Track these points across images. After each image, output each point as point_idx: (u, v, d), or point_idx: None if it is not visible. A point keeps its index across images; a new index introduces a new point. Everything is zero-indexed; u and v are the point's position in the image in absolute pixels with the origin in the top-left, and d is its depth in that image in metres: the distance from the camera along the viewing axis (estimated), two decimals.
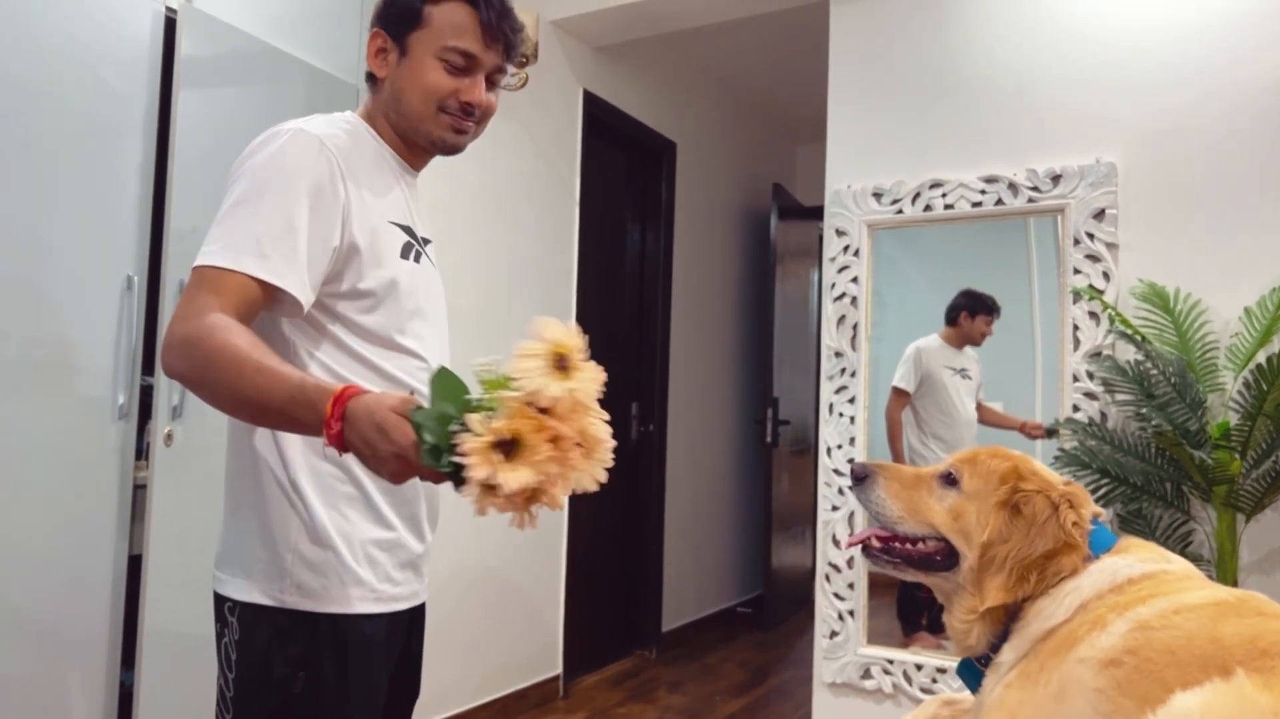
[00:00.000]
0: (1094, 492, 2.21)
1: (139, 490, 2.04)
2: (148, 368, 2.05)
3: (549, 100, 3.21)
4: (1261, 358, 2.12)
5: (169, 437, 2.04)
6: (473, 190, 2.86)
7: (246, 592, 1.06)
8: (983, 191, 2.51)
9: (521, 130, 3.07)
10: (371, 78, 1.17)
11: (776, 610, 4.32)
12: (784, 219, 4.34)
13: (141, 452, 2.07)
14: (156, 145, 2.01)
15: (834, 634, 2.66)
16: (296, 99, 2.31)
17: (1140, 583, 1.00)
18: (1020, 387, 2.55)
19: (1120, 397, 2.28)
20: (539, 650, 3.15)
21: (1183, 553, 2.09)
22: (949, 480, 1.14)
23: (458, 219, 2.80)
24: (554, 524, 3.22)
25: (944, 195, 2.57)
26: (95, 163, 1.90)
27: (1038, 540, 1.04)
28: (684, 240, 4.06)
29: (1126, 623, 0.94)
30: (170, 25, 2.03)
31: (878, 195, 2.66)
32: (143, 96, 1.98)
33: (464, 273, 2.82)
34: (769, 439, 4.17)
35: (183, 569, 2.03)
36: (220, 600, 1.09)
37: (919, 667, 2.53)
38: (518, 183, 3.05)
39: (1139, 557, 1.04)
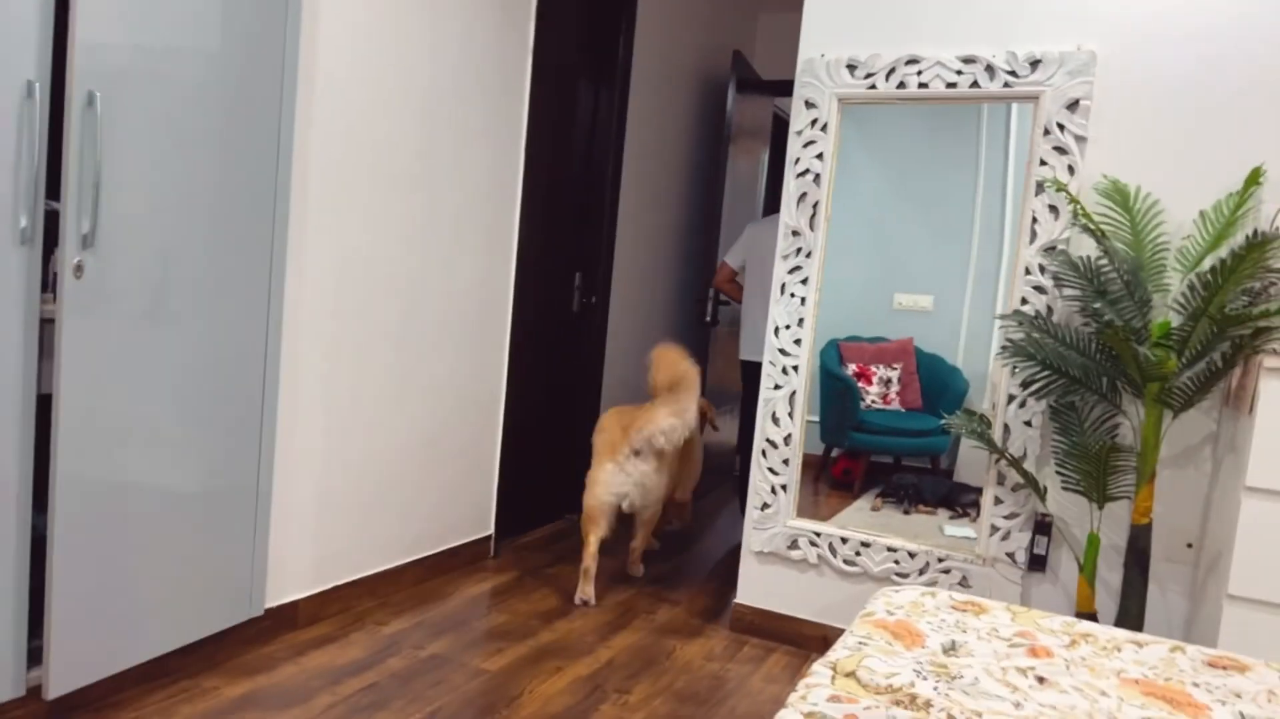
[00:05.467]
0: (1034, 383, 2.27)
1: (46, 325, 1.88)
2: (52, 191, 1.84)
3: None
4: (1210, 261, 2.17)
5: (79, 268, 1.87)
6: (416, 27, 2.62)
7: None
8: (959, 72, 2.43)
9: None
10: None
11: (702, 481, 4.43)
12: (740, 92, 4.18)
13: (48, 283, 1.90)
14: None
15: (765, 506, 2.72)
16: None
17: None
18: (954, 279, 2.56)
19: (1068, 291, 2.31)
20: (472, 511, 3.15)
21: (1111, 443, 2.18)
22: None
23: (405, 53, 2.57)
24: (493, 390, 3.17)
25: (919, 73, 2.47)
26: None
27: None
28: (638, 103, 3.88)
29: None
30: None
31: (851, 68, 2.55)
32: None
33: (407, 113, 2.62)
34: (709, 318, 4.16)
35: (97, 412, 1.90)
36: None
37: (844, 540, 2.63)
38: (464, 22, 2.81)
39: None
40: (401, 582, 2.83)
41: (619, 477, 2.90)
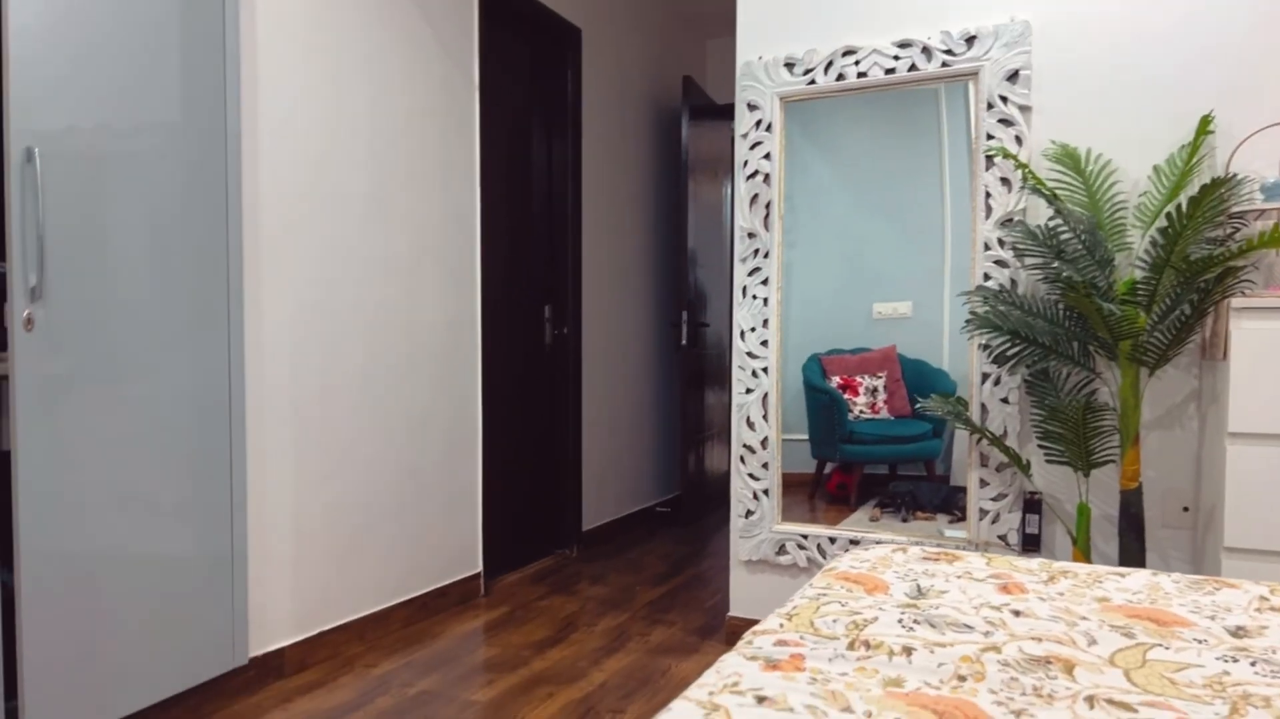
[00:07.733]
0: (1004, 354, 2.23)
1: (1, 381, 1.85)
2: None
3: None
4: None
5: (29, 320, 1.84)
6: (365, 71, 2.65)
7: None
8: (896, 57, 2.45)
9: (413, 8, 2.85)
10: None
11: (695, 509, 4.35)
12: (695, 118, 4.22)
13: (3, 341, 1.87)
14: None
15: (749, 513, 2.66)
16: None
17: None
18: (930, 282, 2.54)
19: (1029, 261, 2.29)
20: (458, 550, 3.07)
21: (1087, 408, 2.14)
22: None
23: (349, 101, 2.59)
24: (469, 426, 3.12)
25: (857, 63, 2.50)
26: None
27: None
28: (592, 136, 3.91)
29: None
30: None
31: (790, 65, 2.57)
32: None
33: (357, 157, 2.63)
34: (684, 342, 4.13)
35: (55, 467, 1.86)
36: None
37: (833, 539, 2.56)
38: (412, 65, 2.85)
39: None
40: (390, 624, 2.74)
41: None
